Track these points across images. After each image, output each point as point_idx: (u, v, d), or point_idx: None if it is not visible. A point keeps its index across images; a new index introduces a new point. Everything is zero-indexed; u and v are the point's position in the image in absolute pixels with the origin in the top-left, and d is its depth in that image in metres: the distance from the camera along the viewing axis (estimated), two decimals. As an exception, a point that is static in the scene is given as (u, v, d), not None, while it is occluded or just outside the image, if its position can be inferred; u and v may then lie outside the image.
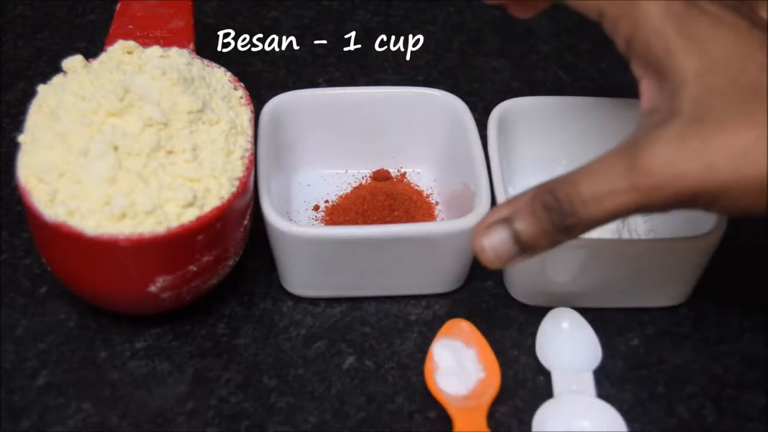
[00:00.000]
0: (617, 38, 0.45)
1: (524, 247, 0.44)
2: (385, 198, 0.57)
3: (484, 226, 0.44)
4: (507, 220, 0.44)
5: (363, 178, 0.60)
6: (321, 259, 0.52)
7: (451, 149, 0.57)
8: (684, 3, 0.44)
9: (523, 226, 0.43)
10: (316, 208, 0.58)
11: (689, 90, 0.42)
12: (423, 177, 0.60)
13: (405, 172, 0.60)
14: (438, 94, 0.57)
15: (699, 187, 0.41)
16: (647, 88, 0.45)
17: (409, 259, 0.51)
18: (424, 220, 0.57)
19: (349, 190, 0.59)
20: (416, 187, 0.59)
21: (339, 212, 0.57)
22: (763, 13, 0.46)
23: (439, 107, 0.57)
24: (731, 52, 0.42)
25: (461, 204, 0.54)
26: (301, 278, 0.53)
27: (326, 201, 0.58)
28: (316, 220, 0.57)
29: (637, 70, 0.45)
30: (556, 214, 0.43)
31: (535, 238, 0.44)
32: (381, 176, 0.60)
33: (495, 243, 0.44)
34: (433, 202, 0.58)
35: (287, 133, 0.57)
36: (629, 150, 0.42)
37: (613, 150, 0.43)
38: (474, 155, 0.54)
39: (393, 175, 0.60)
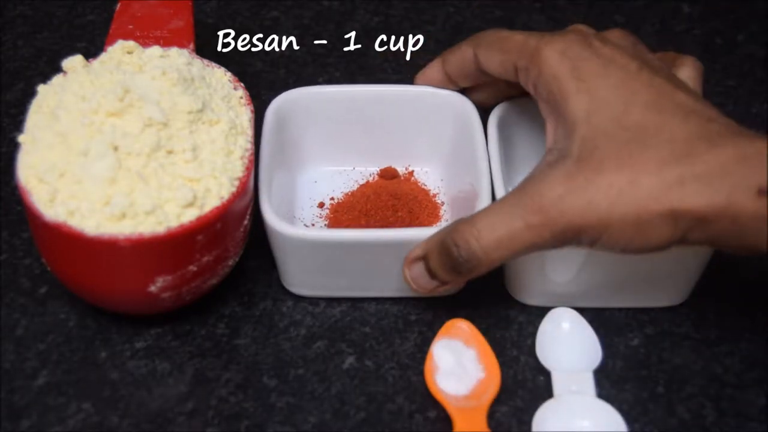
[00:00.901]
0: (528, 86, 0.49)
1: (441, 281, 0.49)
2: (389, 198, 0.57)
3: (408, 261, 0.50)
4: (423, 258, 0.49)
5: (370, 175, 0.60)
6: (320, 261, 0.52)
7: (458, 149, 0.57)
8: (580, 45, 0.47)
9: (433, 265, 0.49)
10: (321, 205, 0.58)
11: (579, 131, 0.46)
12: (431, 176, 0.60)
13: (413, 171, 0.60)
14: (446, 93, 0.57)
15: (582, 224, 0.44)
16: (550, 127, 0.48)
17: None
18: (428, 221, 0.57)
19: (355, 187, 0.59)
20: (423, 186, 0.59)
21: (343, 210, 0.57)
22: (681, 73, 0.50)
23: (447, 106, 0.57)
24: (618, 92, 0.46)
25: (467, 204, 0.54)
26: (301, 278, 0.53)
27: (332, 198, 0.58)
28: (320, 217, 0.57)
29: (543, 112, 0.49)
30: (456, 259, 0.47)
31: (445, 276, 0.49)
32: (388, 174, 0.59)
33: (416, 276, 0.50)
34: (440, 202, 0.58)
35: (293, 130, 0.57)
36: (524, 190, 0.46)
37: (512, 191, 0.47)
38: (478, 155, 0.54)
39: (401, 173, 0.60)
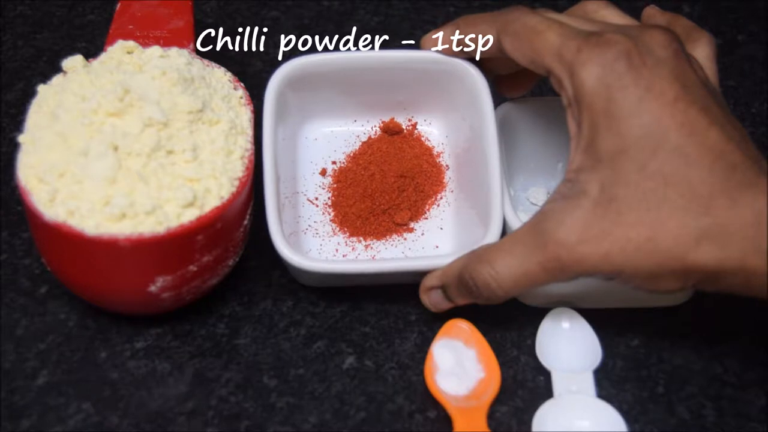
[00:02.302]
0: (562, 96, 0.48)
1: (458, 304, 0.51)
2: (395, 179, 0.57)
3: (424, 289, 0.52)
4: (440, 287, 0.51)
5: (372, 128, 0.59)
6: (332, 281, 0.53)
7: (464, 110, 0.56)
8: (620, 64, 0.46)
9: (451, 294, 0.51)
10: (323, 172, 0.58)
11: (601, 171, 0.46)
12: (434, 129, 0.59)
13: (416, 123, 0.59)
14: (455, 61, 0.55)
15: (597, 270, 0.46)
16: (574, 150, 0.48)
17: (417, 278, 0.52)
18: (434, 192, 0.57)
19: (357, 146, 0.59)
20: (427, 143, 0.59)
21: (346, 183, 0.57)
22: (696, 52, 0.49)
23: (455, 72, 0.55)
24: (647, 133, 0.45)
25: (472, 166, 0.55)
26: (311, 282, 0.54)
27: (333, 162, 0.58)
28: (324, 188, 0.57)
29: (571, 127, 0.48)
30: (476, 295, 0.49)
31: (463, 302, 0.51)
32: (391, 129, 0.59)
33: (434, 301, 0.52)
34: (444, 164, 0.58)
35: (296, 94, 0.56)
36: (540, 230, 0.47)
37: (527, 225, 0.48)
38: (486, 119, 0.53)
39: (404, 127, 0.59)
